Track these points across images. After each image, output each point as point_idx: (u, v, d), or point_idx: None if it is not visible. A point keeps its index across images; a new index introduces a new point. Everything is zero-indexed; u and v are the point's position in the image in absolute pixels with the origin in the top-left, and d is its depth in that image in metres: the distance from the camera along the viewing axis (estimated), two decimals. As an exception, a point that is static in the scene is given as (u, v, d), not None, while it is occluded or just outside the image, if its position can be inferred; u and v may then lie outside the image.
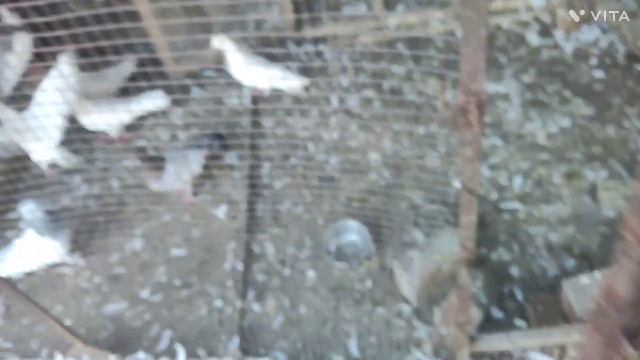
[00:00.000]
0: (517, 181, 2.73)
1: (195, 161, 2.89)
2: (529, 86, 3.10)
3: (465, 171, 1.43)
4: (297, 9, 3.81)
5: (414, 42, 3.57)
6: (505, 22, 3.49)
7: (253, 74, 3.16)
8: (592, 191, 2.62)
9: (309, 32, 3.70)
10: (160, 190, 2.85)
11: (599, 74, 3.06)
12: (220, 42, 3.11)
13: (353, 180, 2.94)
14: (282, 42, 3.74)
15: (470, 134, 1.31)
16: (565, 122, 2.88)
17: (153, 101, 3.18)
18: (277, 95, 3.41)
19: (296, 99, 3.38)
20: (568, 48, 3.24)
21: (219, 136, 3.08)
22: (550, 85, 3.07)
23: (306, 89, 3.32)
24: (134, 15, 3.06)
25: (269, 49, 3.71)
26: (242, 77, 3.21)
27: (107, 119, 3.02)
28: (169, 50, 3.28)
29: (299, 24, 3.68)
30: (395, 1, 3.68)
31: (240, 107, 3.38)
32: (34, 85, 3.03)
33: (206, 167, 2.98)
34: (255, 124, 3.25)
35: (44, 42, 2.64)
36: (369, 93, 3.33)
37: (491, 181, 2.78)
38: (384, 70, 3.44)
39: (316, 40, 3.72)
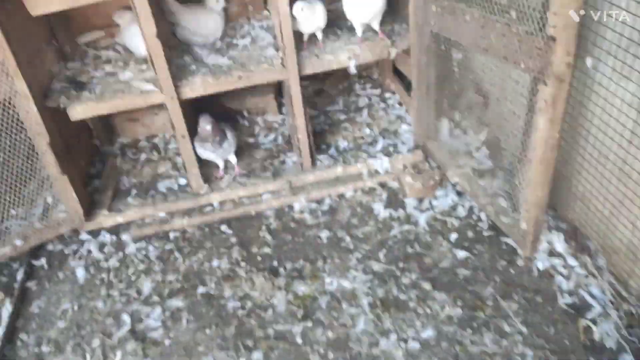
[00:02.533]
0: None
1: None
2: (379, 277, 2.27)
3: None
4: (91, 192, 2.89)
5: (242, 223, 2.73)
6: (348, 190, 2.78)
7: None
8: None
9: (106, 218, 2.73)
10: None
11: (462, 253, 2.32)
12: None
13: None
14: (74, 233, 2.73)
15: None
16: (429, 332, 2.01)
17: None
18: (48, 320, 2.32)
19: (73, 324, 2.29)
20: (422, 220, 2.53)
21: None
22: (405, 275, 2.26)
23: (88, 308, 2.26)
24: None
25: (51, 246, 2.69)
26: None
27: None
28: None
29: (90, 211, 2.72)
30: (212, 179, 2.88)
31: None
32: None
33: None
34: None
35: None
36: (177, 302, 2.32)
37: None
38: (201, 266, 2.50)
39: (118, 228, 2.75)
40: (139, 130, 3.37)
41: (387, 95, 3.43)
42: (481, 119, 2.61)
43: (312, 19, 2.43)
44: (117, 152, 3.27)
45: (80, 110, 2.48)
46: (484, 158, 2.64)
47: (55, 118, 2.47)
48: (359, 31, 2.58)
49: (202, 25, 2.74)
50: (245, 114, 3.41)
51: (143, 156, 3.22)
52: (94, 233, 2.72)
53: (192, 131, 2.67)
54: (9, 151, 2.37)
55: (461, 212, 2.54)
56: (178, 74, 2.52)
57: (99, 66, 2.79)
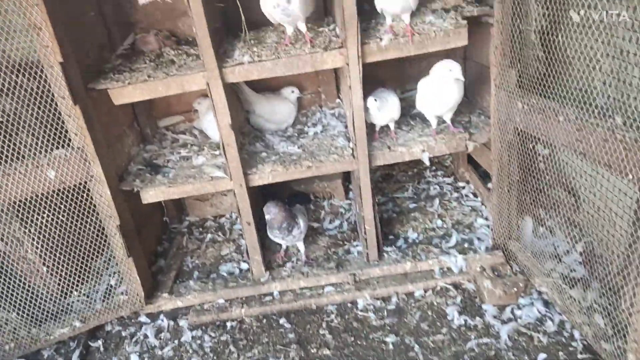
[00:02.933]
0: None
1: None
2: (454, 402, 1.96)
3: None
4: (155, 271, 2.85)
5: (302, 317, 2.53)
6: (418, 289, 2.52)
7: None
8: None
9: (167, 302, 2.65)
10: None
11: (553, 381, 1.97)
12: None
13: None
14: (134, 314, 2.66)
15: None
16: None
17: None
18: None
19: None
20: (504, 332, 2.20)
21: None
22: (485, 403, 1.94)
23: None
24: None
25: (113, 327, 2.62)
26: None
27: None
28: None
29: (152, 292, 2.65)
30: (274, 264, 2.74)
31: None
32: None
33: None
34: None
35: None
36: (228, 406, 2.12)
37: None
38: (257, 363, 2.31)
39: (176, 313, 2.65)
40: (207, 210, 3.36)
41: (461, 184, 3.21)
42: (571, 220, 2.31)
43: (386, 112, 2.33)
44: (184, 231, 3.25)
45: (153, 194, 2.49)
46: (575, 264, 2.31)
47: (128, 198, 2.48)
48: (433, 123, 2.45)
49: (276, 113, 2.75)
50: (312, 197, 3.32)
51: (208, 236, 3.17)
52: (153, 315, 2.63)
53: (259, 215, 2.58)
54: (78, 232, 2.38)
55: (550, 326, 2.18)
56: (249, 161, 2.48)
57: (175, 150, 2.84)
